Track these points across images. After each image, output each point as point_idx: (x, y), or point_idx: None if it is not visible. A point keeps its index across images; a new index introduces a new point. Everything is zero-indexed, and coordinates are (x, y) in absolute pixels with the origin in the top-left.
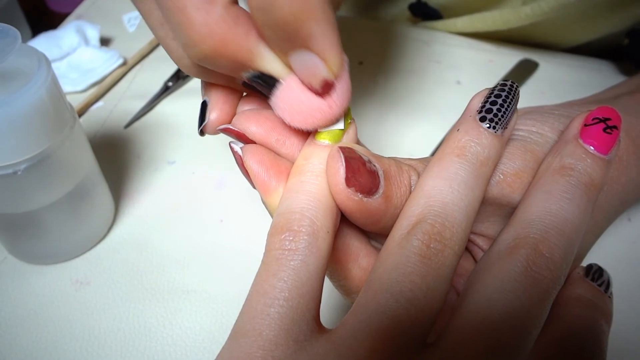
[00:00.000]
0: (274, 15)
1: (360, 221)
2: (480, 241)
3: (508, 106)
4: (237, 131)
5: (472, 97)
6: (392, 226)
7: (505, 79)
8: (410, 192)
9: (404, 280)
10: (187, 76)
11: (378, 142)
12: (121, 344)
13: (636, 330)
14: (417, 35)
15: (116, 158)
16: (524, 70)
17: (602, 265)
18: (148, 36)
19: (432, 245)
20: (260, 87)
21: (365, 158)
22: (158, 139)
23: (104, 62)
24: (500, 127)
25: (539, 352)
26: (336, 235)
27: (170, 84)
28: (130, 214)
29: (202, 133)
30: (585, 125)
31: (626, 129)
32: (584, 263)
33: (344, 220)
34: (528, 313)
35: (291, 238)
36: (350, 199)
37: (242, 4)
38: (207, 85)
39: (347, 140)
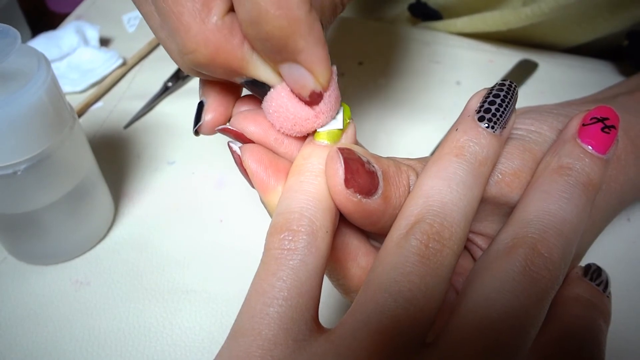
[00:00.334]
0: (262, 30)
1: (359, 221)
2: (479, 240)
3: (506, 106)
4: (235, 131)
5: (471, 97)
6: (391, 226)
7: (504, 79)
8: (409, 193)
9: (402, 280)
10: (187, 77)
11: (378, 142)
12: (121, 344)
13: (636, 330)
14: (417, 35)
15: (116, 158)
16: (523, 71)
17: (601, 265)
18: (148, 36)
19: (430, 245)
20: (253, 91)
21: (364, 159)
22: (158, 139)
23: (104, 63)
24: (499, 126)
25: (538, 351)
26: (335, 234)
27: (169, 84)
28: (130, 214)
29: (196, 133)
30: (584, 124)
31: (624, 128)
32: (583, 263)
33: (343, 219)
34: (526, 313)
35: (290, 238)
36: (349, 200)
37: None
38: (204, 86)
39: (346, 140)
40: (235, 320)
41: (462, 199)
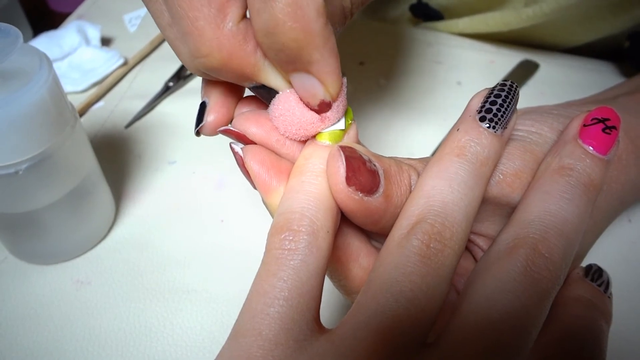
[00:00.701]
0: (278, 40)
1: (360, 220)
2: (480, 241)
3: (508, 106)
4: (237, 132)
5: (472, 97)
6: (392, 226)
7: (505, 80)
8: (410, 192)
9: (404, 280)
10: (188, 77)
11: (379, 142)
12: (122, 344)
13: (636, 331)
14: (418, 36)
15: (117, 158)
16: (524, 71)
17: (602, 265)
18: (149, 36)
19: (432, 245)
20: (259, 95)
21: (366, 157)
22: (158, 139)
23: (105, 62)
24: (500, 127)
25: (539, 352)
26: (336, 234)
27: (170, 84)
28: (130, 214)
29: (198, 134)
30: (585, 125)
31: (625, 129)
32: (584, 263)
33: (344, 220)
34: (527, 313)
35: (291, 238)
36: (351, 198)
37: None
38: (207, 87)
39: (348, 141)
40: (236, 321)
41: (464, 199)
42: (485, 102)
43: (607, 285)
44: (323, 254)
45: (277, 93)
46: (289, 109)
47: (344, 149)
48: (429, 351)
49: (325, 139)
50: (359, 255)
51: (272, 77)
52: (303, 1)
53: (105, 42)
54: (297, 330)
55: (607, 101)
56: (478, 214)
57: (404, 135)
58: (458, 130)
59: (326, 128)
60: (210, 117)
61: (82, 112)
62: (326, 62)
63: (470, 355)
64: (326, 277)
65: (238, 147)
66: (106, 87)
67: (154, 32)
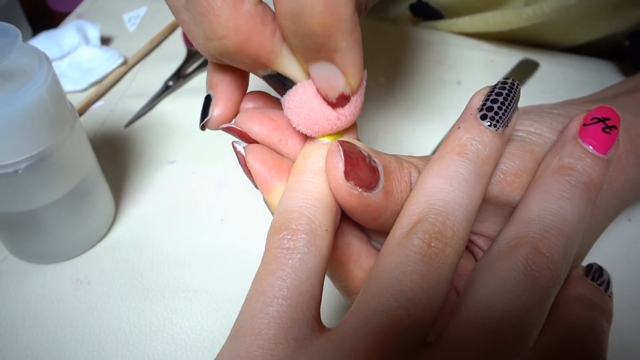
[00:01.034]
0: (303, 24)
1: (360, 217)
2: (481, 241)
3: (509, 104)
4: (239, 130)
5: (473, 95)
6: (392, 223)
7: (506, 78)
8: (410, 189)
9: (404, 279)
10: (188, 76)
11: (379, 142)
12: (121, 344)
13: (636, 330)
14: (418, 35)
15: (116, 157)
16: (524, 70)
17: (603, 264)
18: (148, 35)
19: (432, 244)
20: (274, 86)
21: (365, 153)
22: (158, 138)
23: (105, 62)
24: (501, 125)
25: (539, 351)
26: (337, 235)
27: (170, 83)
28: (130, 213)
29: (203, 128)
30: (584, 125)
31: (625, 128)
32: (584, 263)
33: (344, 220)
34: (528, 312)
35: (289, 237)
36: (350, 194)
37: None
38: (212, 80)
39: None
40: (236, 320)
41: (465, 197)
42: (487, 100)
43: (608, 284)
44: (322, 253)
45: (292, 83)
46: (306, 101)
47: (342, 144)
48: (429, 350)
49: (324, 138)
50: (360, 255)
51: (288, 65)
52: None
53: (105, 41)
54: (297, 330)
55: (607, 100)
56: (478, 214)
57: (404, 134)
58: (459, 128)
59: (342, 126)
60: (216, 111)
61: (82, 111)
62: (351, 52)
63: (470, 355)
64: (326, 277)
65: (240, 146)
66: (106, 86)
67: (154, 31)
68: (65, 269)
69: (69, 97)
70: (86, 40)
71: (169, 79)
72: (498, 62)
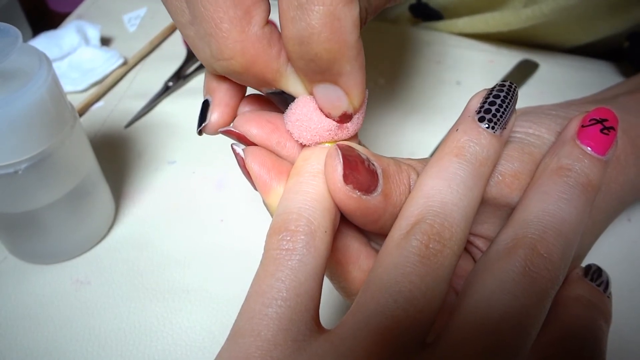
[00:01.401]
0: (310, 50)
1: (359, 220)
2: (480, 242)
3: (507, 106)
4: (238, 133)
5: (471, 98)
6: (391, 226)
7: (504, 80)
8: (409, 192)
9: (403, 280)
10: (188, 76)
11: (379, 143)
12: (121, 344)
13: (636, 330)
14: (417, 35)
15: (116, 158)
16: (524, 71)
17: (602, 265)
18: (148, 36)
19: (431, 246)
20: (275, 100)
21: (364, 156)
22: (158, 138)
23: (105, 62)
24: (499, 127)
25: (539, 352)
26: (336, 236)
27: (170, 83)
28: (130, 214)
29: (200, 133)
30: (583, 126)
31: (624, 129)
32: (584, 263)
33: (343, 222)
34: (527, 313)
35: (288, 238)
36: (349, 197)
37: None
38: (210, 84)
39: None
40: (235, 321)
41: (463, 199)
42: (484, 102)
43: (607, 285)
44: (321, 254)
45: (294, 98)
46: (307, 114)
47: (341, 147)
48: (428, 351)
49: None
50: (359, 257)
51: (293, 84)
52: (340, 12)
53: (105, 42)
54: (296, 331)
55: (606, 101)
56: (477, 216)
57: (404, 135)
58: (457, 130)
59: (343, 137)
60: (214, 116)
61: (82, 111)
62: (355, 75)
63: (469, 355)
64: (326, 277)
65: (239, 148)
66: (106, 86)
67: (154, 32)
68: (65, 269)
69: (69, 97)
70: (86, 40)
71: (169, 80)
72: (498, 63)
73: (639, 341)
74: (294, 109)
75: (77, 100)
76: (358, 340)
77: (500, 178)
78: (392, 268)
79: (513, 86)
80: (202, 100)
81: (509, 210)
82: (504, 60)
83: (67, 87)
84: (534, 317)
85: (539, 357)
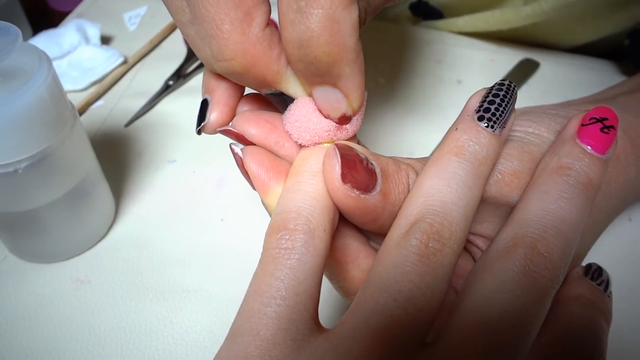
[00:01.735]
0: (309, 53)
1: (357, 219)
2: (479, 242)
3: (506, 105)
4: (236, 133)
5: (470, 97)
6: (390, 225)
7: (503, 79)
8: (408, 191)
9: (402, 279)
10: (188, 75)
11: (379, 142)
12: (121, 343)
13: (636, 330)
14: (417, 34)
15: (117, 157)
16: (525, 70)
17: (602, 264)
18: (148, 35)
19: (430, 245)
20: (274, 101)
21: (362, 155)
22: (158, 137)
23: (105, 61)
24: (499, 126)
25: (539, 351)
26: (335, 236)
27: (170, 82)
28: (130, 213)
29: (199, 132)
30: (583, 125)
31: (624, 129)
32: (584, 263)
33: (343, 221)
34: (527, 312)
35: (287, 237)
36: (347, 196)
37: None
38: (208, 83)
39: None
40: (234, 321)
41: (462, 198)
42: (484, 101)
43: (607, 284)
44: (320, 253)
45: (293, 99)
46: (306, 115)
47: (340, 147)
48: (427, 351)
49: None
50: (358, 256)
51: (292, 86)
52: (339, 16)
53: (105, 40)
54: (295, 330)
55: (606, 100)
56: (476, 215)
57: (404, 134)
58: (456, 129)
59: (342, 137)
60: (213, 116)
61: (82, 110)
62: (354, 77)
63: (469, 355)
64: (325, 277)
65: (238, 148)
66: (106, 85)
67: (154, 30)
68: (66, 269)
69: (69, 96)
70: (86, 39)
71: (169, 79)
72: (498, 62)
73: (639, 341)
74: (293, 110)
75: (77, 99)
76: (357, 340)
77: (500, 177)
78: (391, 267)
79: (512, 85)
80: (201, 99)
81: (508, 209)
82: (505, 59)
83: (67, 86)
84: (534, 317)
85: (539, 356)
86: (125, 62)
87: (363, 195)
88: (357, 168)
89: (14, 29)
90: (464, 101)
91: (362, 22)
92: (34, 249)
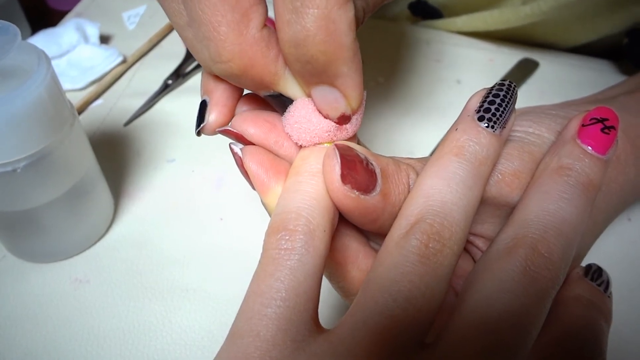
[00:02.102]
0: (306, 52)
1: (357, 220)
2: (479, 242)
3: (506, 106)
4: (236, 133)
5: (470, 97)
6: (390, 225)
7: (503, 79)
8: (408, 191)
9: (402, 279)
10: (187, 74)
11: (378, 142)
12: (120, 343)
13: (636, 330)
14: (417, 34)
15: (116, 156)
16: (524, 70)
17: (602, 265)
18: (148, 34)
19: (430, 245)
20: (273, 103)
21: (362, 156)
22: (157, 137)
23: (104, 60)
24: (499, 126)
25: (539, 352)
26: (335, 236)
27: (169, 82)
28: (129, 212)
29: (199, 134)
30: (583, 125)
31: (624, 129)
32: (583, 263)
33: (342, 222)
34: (527, 313)
35: (287, 237)
36: (347, 197)
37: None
38: (207, 84)
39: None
40: (234, 322)
41: (462, 198)
42: (484, 101)
43: (607, 284)
44: (320, 254)
45: (292, 101)
46: (305, 116)
47: (339, 147)
48: (427, 351)
49: None
50: (357, 257)
51: (291, 87)
52: (336, 15)
53: (104, 39)
54: (295, 331)
55: (606, 101)
56: (477, 215)
57: (403, 133)
58: (456, 129)
59: (342, 137)
60: (212, 117)
61: (81, 110)
62: (352, 76)
63: (469, 355)
64: (324, 277)
65: (237, 147)
66: (105, 85)
67: (153, 30)
68: (64, 268)
69: (68, 95)
70: (85, 38)
71: (168, 78)
72: (498, 61)
73: (639, 341)
74: (292, 112)
75: (76, 99)
76: (357, 340)
77: (500, 177)
78: (391, 267)
79: (512, 85)
80: (200, 100)
81: (509, 210)
82: (504, 59)
83: (66, 85)
84: (535, 317)
85: (539, 356)
86: (124, 61)
87: (363, 196)
88: (357, 169)
89: (13, 28)
90: (463, 101)
91: (360, 20)
92: (33, 248)
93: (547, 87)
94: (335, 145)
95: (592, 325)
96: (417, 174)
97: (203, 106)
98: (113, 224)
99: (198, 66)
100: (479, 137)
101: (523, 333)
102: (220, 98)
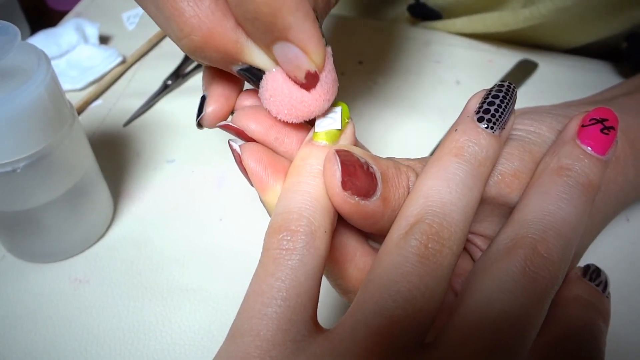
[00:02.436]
0: (249, 8)
1: (357, 223)
2: (479, 241)
3: (506, 106)
4: (236, 128)
5: (470, 98)
6: (390, 227)
7: (503, 80)
8: (408, 193)
9: (401, 280)
10: (187, 75)
11: (377, 142)
12: (120, 343)
13: (635, 331)
14: (416, 35)
15: (115, 156)
16: (523, 71)
17: (601, 265)
18: (147, 34)
19: (430, 245)
20: (248, 80)
21: (363, 160)
22: (157, 137)
23: (103, 60)
24: (498, 127)
25: (538, 352)
26: (333, 234)
27: (169, 82)
28: (129, 213)
29: (199, 126)
30: (583, 125)
31: (623, 130)
32: (582, 263)
33: (341, 220)
34: (526, 313)
35: (289, 238)
36: (347, 202)
37: None
38: (207, 81)
39: (345, 141)
40: (234, 321)
41: (462, 199)
42: (483, 102)
43: (606, 285)
44: (321, 254)
45: (263, 73)
46: (276, 87)
47: (339, 152)
48: (427, 351)
49: (322, 139)
50: (355, 255)
51: (256, 55)
52: None
53: (104, 40)
54: (295, 331)
55: (605, 102)
56: (476, 214)
57: (403, 134)
58: (456, 130)
59: (319, 107)
60: (210, 108)
61: (81, 110)
62: (303, 27)
63: (468, 355)
64: (323, 277)
65: (236, 144)
66: (104, 85)
67: (153, 30)
68: (64, 268)
69: (68, 95)
70: (85, 38)
71: (168, 78)
72: (497, 63)
73: (638, 341)
74: (265, 85)
75: (75, 99)
76: (357, 340)
77: (500, 177)
78: (391, 268)
79: (512, 86)
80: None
81: (508, 210)
82: (503, 60)
83: (65, 85)
84: (534, 317)
85: (538, 357)
86: (123, 61)
87: (363, 202)
88: (357, 174)
89: (13, 28)
90: (462, 102)
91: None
92: (33, 248)
93: (546, 88)
94: (336, 150)
95: (590, 325)
96: (417, 175)
97: (203, 100)
98: (112, 224)
99: (198, 66)
100: (479, 138)
101: (522, 333)
102: (219, 92)
